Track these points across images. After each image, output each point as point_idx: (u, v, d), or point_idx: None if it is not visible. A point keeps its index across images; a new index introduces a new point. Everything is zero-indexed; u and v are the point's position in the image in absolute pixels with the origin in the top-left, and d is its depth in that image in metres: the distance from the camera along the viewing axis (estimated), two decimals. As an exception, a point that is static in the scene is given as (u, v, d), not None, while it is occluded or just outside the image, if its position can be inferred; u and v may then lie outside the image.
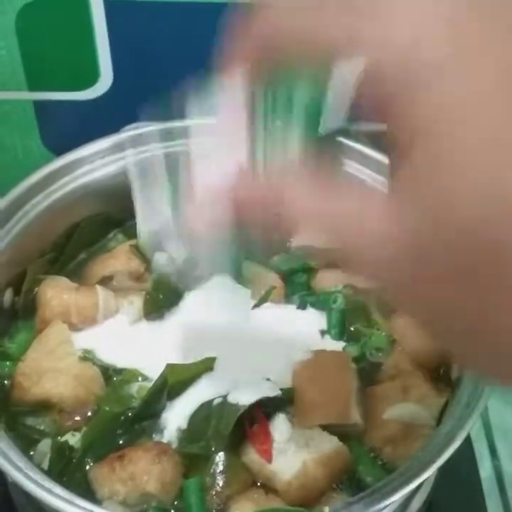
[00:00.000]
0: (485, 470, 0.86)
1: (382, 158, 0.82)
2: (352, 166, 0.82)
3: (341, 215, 0.40)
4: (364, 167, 0.82)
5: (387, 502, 0.58)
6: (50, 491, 0.59)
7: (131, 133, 0.85)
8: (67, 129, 1.02)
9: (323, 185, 0.42)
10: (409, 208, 0.37)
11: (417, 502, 0.70)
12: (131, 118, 0.97)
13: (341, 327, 0.77)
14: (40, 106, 1.00)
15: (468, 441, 0.84)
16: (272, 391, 0.68)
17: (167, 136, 0.85)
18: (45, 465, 0.68)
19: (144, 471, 0.64)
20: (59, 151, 0.85)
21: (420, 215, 0.36)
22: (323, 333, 0.77)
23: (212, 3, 0.90)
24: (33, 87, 0.98)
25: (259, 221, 0.45)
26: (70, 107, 1.00)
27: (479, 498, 0.82)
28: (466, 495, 0.82)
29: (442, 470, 0.71)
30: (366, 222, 0.39)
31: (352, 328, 0.78)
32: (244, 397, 0.68)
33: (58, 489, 0.59)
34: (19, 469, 0.60)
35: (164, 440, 0.68)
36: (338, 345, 0.75)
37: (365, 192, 0.42)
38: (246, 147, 0.48)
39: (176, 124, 0.86)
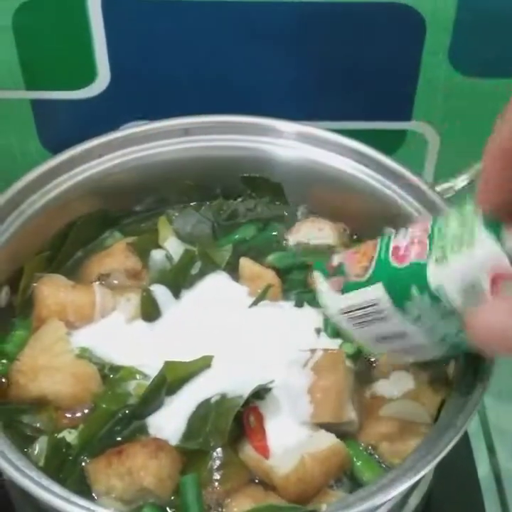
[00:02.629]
0: (483, 468, 0.86)
1: (381, 157, 0.82)
2: (350, 165, 0.83)
3: None
4: (363, 166, 0.83)
5: (384, 499, 0.58)
6: (46, 489, 0.59)
7: (127, 131, 0.85)
8: (64, 128, 1.02)
9: None
10: None
11: (415, 499, 0.70)
12: (129, 116, 0.98)
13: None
14: (37, 105, 1.00)
15: (466, 440, 0.84)
16: (267, 384, 0.69)
17: (166, 135, 0.86)
18: (42, 462, 0.68)
19: (141, 467, 0.64)
20: (57, 150, 0.85)
21: None
22: (319, 331, 0.77)
23: (211, 2, 0.90)
24: (30, 86, 0.98)
25: None
26: (68, 106, 1.00)
27: (477, 496, 0.82)
28: (464, 493, 0.82)
29: (440, 468, 0.71)
30: None
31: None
32: (242, 394, 0.68)
33: (55, 487, 0.59)
34: (16, 467, 0.60)
35: (162, 437, 0.68)
36: (335, 343, 0.75)
37: None
38: None
39: (175, 122, 0.86)
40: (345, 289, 0.57)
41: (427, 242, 0.52)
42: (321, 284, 0.59)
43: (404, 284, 0.52)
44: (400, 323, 0.55)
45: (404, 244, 0.53)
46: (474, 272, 0.47)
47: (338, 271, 0.57)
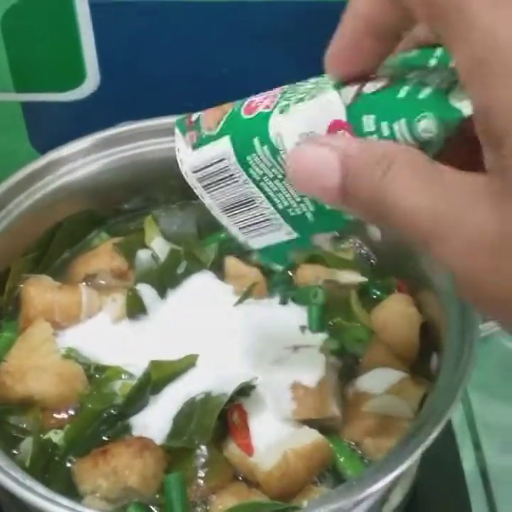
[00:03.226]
0: (468, 463, 0.86)
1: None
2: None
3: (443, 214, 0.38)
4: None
5: (365, 494, 0.58)
6: (31, 490, 0.59)
7: (112, 131, 0.85)
8: (55, 130, 1.02)
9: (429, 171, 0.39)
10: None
11: (398, 495, 0.70)
12: (119, 118, 0.98)
13: (321, 321, 0.77)
14: (27, 107, 1.01)
15: (451, 435, 0.85)
16: (251, 381, 0.69)
17: (152, 134, 0.86)
18: (28, 463, 0.68)
19: (126, 466, 0.64)
20: (47, 152, 0.85)
21: None
22: (304, 328, 0.77)
23: (199, 3, 0.91)
24: (19, 88, 0.99)
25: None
26: (58, 108, 1.01)
27: (463, 492, 0.82)
28: (450, 489, 0.82)
29: (425, 463, 0.72)
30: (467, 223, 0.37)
31: (332, 322, 0.78)
32: (227, 392, 0.68)
33: (40, 488, 0.59)
34: (0, 468, 0.60)
35: (147, 436, 0.68)
36: (319, 340, 0.75)
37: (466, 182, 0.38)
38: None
39: (161, 121, 0.86)
40: (197, 143, 0.53)
41: (279, 95, 0.49)
42: (178, 140, 0.55)
43: (248, 135, 0.49)
44: (244, 183, 0.51)
45: (260, 98, 0.50)
46: (313, 119, 0.45)
47: (195, 126, 0.54)
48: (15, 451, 0.70)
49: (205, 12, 0.92)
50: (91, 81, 0.98)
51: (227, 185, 0.53)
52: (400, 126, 0.42)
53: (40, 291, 0.78)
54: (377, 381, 0.71)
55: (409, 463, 0.59)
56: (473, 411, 0.90)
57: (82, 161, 0.84)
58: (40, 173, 0.82)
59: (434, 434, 0.60)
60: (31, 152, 1.05)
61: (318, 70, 0.95)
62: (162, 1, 0.91)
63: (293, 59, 0.96)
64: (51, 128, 1.03)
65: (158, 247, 0.84)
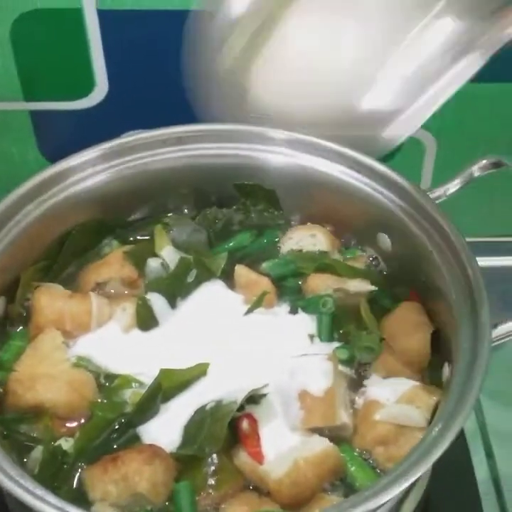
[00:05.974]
0: (481, 472, 0.85)
1: (373, 162, 0.83)
2: (342, 171, 0.83)
3: None
4: (355, 172, 0.83)
5: (378, 503, 0.58)
6: (41, 499, 0.59)
7: (121, 141, 0.85)
8: (63, 138, 1.03)
9: None
10: None
11: (410, 504, 0.70)
12: (127, 126, 0.98)
13: (331, 330, 0.77)
14: (36, 116, 1.01)
15: (463, 444, 0.84)
16: (261, 388, 0.69)
17: (160, 143, 0.86)
18: (37, 470, 0.68)
19: (136, 472, 0.64)
20: (56, 159, 0.85)
21: None
22: (312, 337, 0.77)
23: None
24: (28, 97, 0.99)
25: None
26: (66, 117, 1.01)
27: (475, 501, 0.81)
28: (462, 497, 0.82)
29: (437, 472, 0.72)
30: None
31: (341, 331, 0.78)
32: (237, 400, 0.68)
33: (50, 497, 0.59)
34: (10, 477, 0.60)
35: (158, 444, 0.68)
36: (328, 348, 0.75)
37: None
38: None
39: (167, 130, 0.87)
40: None
41: None
42: None
43: None
44: None
45: None
46: None
47: None
48: (25, 460, 0.70)
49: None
50: (100, 90, 0.99)
51: None
52: None
53: (50, 300, 0.78)
54: (388, 390, 0.70)
55: (422, 473, 0.59)
56: (485, 419, 0.90)
57: (90, 170, 0.84)
58: (48, 182, 0.82)
59: (446, 445, 0.59)
60: (40, 160, 1.05)
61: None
62: (171, 11, 0.91)
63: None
64: (60, 136, 1.04)
65: (168, 255, 0.84)
